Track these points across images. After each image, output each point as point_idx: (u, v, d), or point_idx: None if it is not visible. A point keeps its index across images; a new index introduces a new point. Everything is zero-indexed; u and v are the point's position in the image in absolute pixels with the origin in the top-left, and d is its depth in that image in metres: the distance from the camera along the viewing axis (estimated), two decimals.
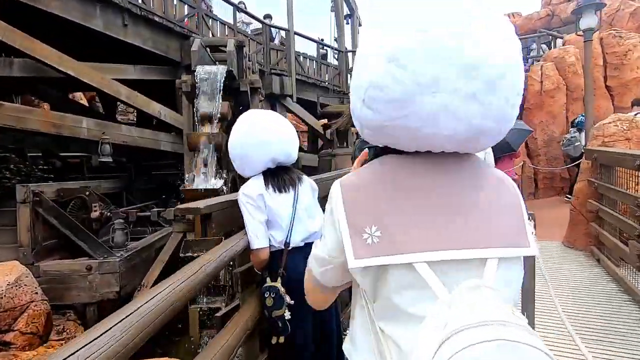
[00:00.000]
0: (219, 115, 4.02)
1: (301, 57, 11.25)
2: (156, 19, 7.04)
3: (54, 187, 5.01)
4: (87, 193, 5.14)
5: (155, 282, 4.77)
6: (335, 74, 12.52)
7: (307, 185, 1.84)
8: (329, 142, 10.86)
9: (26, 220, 4.46)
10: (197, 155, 4.59)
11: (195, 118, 4.17)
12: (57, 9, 5.58)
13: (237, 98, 4.82)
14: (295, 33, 10.48)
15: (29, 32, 5.36)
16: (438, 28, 0.58)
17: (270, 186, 1.68)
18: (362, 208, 0.64)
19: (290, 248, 1.66)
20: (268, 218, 1.65)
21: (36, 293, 3.83)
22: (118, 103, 9.25)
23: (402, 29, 0.60)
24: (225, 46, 4.73)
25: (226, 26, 9.07)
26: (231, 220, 1.71)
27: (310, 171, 10.30)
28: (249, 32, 9.85)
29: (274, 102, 9.83)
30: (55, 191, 4.95)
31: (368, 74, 0.62)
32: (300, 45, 11.30)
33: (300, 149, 12.63)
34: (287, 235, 1.66)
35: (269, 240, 1.65)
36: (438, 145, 0.65)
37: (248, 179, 1.73)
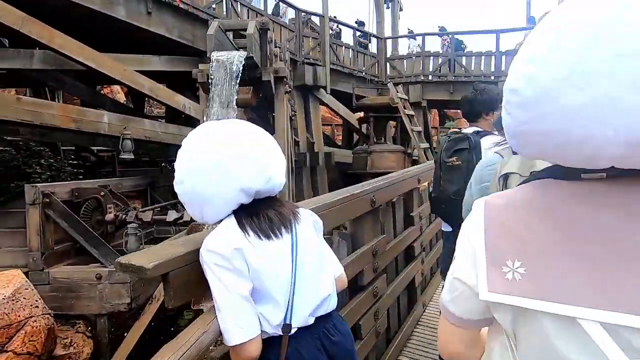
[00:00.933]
0: (235, 107, 3.41)
1: (335, 45, 10.49)
2: (182, 5, 6.67)
3: (68, 187, 4.72)
4: (103, 193, 4.80)
5: None
6: (373, 62, 11.63)
7: (308, 222, 1.12)
8: (365, 138, 10.10)
9: (36, 223, 4.18)
10: None
11: (209, 110, 3.61)
12: None
13: (260, 89, 4.22)
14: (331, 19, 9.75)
15: (49, 22, 5.10)
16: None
17: (250, 232, 0.98)
18: (505, 236, 0.54)
19: (292, 332, 1.01)
20: (254, 286, 0.97)
21: (37, 307, 3.48)
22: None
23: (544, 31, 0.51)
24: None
25: (257, 14, 8.54)
26: (200, 281, 1.06)
27: (344, 168, 9.63)
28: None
29: (307, 93, 9.20)
30: (69, 191, 4.65)
31: (508, 78, 0.56)
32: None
33: (334, 144, 12.03)
34: (288, 311, 1.01)
35: (259, 323, 0.97)
36: (576, 159, 0.50)
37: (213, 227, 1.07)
